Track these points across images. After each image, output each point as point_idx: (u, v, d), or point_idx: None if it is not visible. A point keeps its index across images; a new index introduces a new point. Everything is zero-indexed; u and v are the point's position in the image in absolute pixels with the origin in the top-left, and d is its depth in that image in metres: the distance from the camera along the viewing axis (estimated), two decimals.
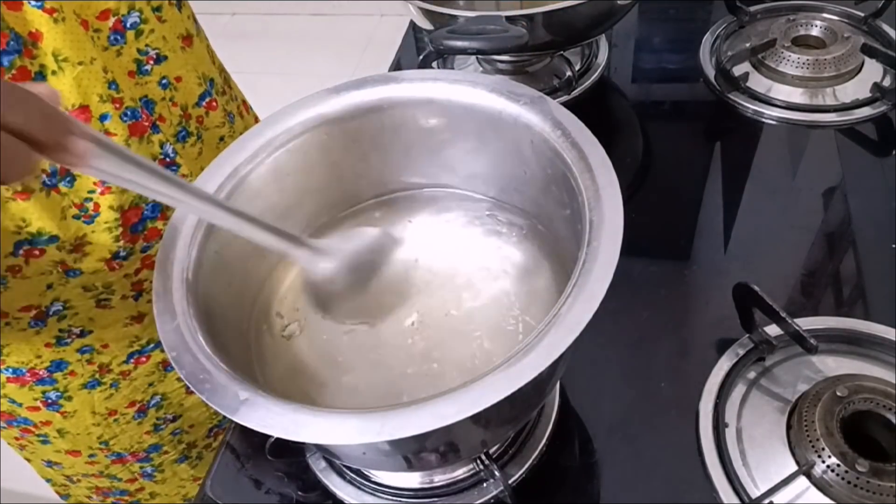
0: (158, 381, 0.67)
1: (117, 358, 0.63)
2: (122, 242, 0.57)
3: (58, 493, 0.76)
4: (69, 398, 0.62)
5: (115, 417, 0.66)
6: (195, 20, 0.63)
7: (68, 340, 0.59)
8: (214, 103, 0.64)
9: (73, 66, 0.50)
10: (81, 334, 0.59)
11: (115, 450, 0.69)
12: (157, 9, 0.57)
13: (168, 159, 0.59)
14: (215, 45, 0.69)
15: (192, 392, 0.69)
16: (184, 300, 0.40)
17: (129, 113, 0.54)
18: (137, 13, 0.55)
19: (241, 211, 0.40)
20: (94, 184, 0.54)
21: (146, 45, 0.56)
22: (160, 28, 0.57)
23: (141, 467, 0.72)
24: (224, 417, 0.73)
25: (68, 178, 0.52)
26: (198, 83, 0.62)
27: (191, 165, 0.61)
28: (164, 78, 0.58)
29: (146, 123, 0.56)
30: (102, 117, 0.53)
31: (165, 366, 0.66)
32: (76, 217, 0.54)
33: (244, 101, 0.74)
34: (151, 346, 0.64)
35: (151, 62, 0.57)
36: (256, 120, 0.75)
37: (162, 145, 0.58)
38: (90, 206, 0.54)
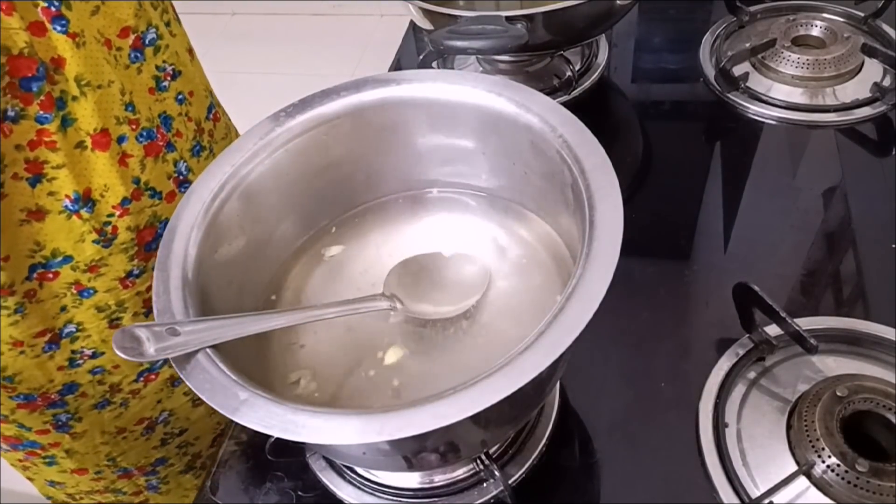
0: (166, 397, 0.67)
1: (128, 377, 0.63)
2: (136, 261, 0.57)
3: None
4: (79, 419, 0.62)
5: (123, 435, 0.66)
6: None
7: (80, 362, 0.59)
8: (218, 114, 0.64)
9: (94, 90, 0.50)
10: (94, 356, 0.59)
11: (122, 465, 0.69)
12: (168, 23, 0.57)
13: (181, 177, 0.59)
14: (215, 45, 0.69)
15: (198, 404, 0.70)
16: (184, 300, 0.39)
17: (144, 133, 0.54)
18: (154, 29, 0.55)
19: (322, 304, 0.46)
20: (113, 207, 0.54)
21: (163, 61, 0.56)
22: (173, 43, 0.57)
23: (146, 480, 0.72)
24: (226, 424, 0.74)
25: (90, 205, 0.53)
26: (205, 95, 0.62)
27: None
28: (179, 94, 0.58)
29: (161, 143, 0.56)
30: (120, 139, 0.53)
31: (173, 381, 0.66)
32: (95, 242, 0.54)
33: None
34: (160, 363, 0.64)
35: (168, 78, 0.57)
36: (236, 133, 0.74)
37: (176, 163, 0.58)
38: (109, 229, 0.55)
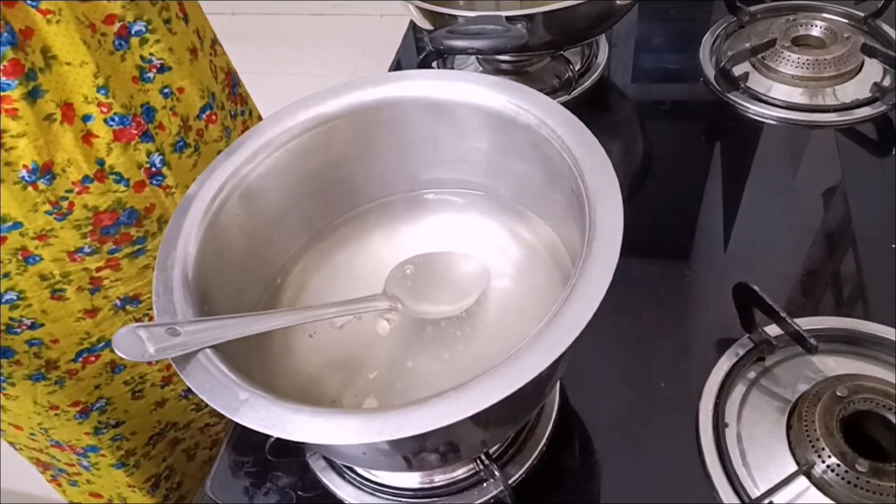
0: (105, 383, 0.67)
1: (66, 355, 0.63)
2: (88, 240, 0.57)
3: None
4: (13, 384, 0.62)
5: (56, 412, 0.66)
6: (199, 35, 0.64)
7: (18, 330, 0.59)
8: (214, 117, 0.64)
9: (60, 65, 0.51)
10: (32, 326, 0.59)
11: (53, 437, 0.69)
12: (168, 21, 0.58)
13: (154, 169, 0.59)
14: None
15: (139, 397, 0.70)
16: (184, 300, 0.39)
17: (116, 119, 0.55)
18: (144, 23, 0.55)
19: (319, 305, 0.46)
20: (73, 183, 0.54)
21: (150, 54, 0.56)
22: (169, 39, 0.57)
23: (78, 460, 0.72)
24: (166, 425, 0.74)
25: (48, 176, 0.53)
26: (200, 96, 0.62)
27: (182, 177, 0.61)
28: (166, 87, 0.58)
29: (135, 131, 0.56)
30: (86, 118, 0.53)
31: (114, 367, 0.66)
32: (48, 213, 0.55)
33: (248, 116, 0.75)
34: (102, 345, 0.64)
35: (154, 70, 0.57)
36: None
37: (150, 154, 0.58)
38: (65, 204, 0.55)
